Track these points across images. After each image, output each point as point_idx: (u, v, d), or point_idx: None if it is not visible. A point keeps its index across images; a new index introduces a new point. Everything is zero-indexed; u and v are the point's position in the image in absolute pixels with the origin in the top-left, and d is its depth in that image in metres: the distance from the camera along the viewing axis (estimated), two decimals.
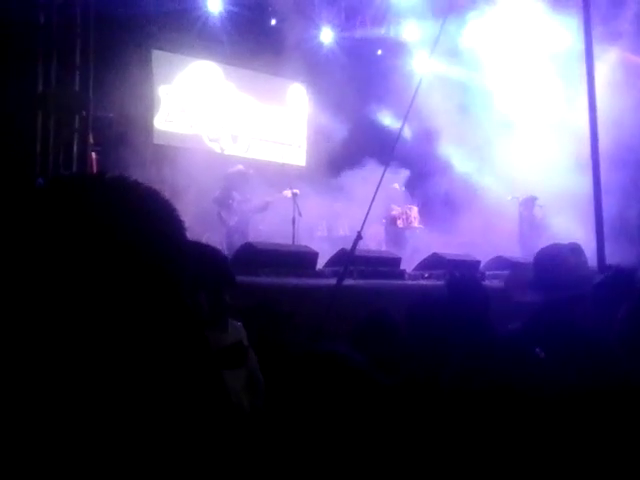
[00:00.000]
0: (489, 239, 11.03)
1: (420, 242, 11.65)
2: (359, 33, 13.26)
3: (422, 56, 12.79)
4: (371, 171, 9.29)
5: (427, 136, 12.78)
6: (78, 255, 0.84)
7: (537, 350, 2.69)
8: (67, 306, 0.83)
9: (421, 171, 12.97)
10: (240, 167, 9.85)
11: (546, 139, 11.96)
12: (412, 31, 13.44)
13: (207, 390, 0.91)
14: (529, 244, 11.37)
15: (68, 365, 0.82)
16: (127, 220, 0.88)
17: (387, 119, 13.01)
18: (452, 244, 11.70)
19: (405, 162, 11.97)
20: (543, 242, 12.37)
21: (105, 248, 0.85)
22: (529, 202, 11.72)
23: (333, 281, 5.75)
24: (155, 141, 11.23)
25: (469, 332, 3.01)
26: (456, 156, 13.44)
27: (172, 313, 0.90)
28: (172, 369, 0.89)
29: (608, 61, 11.72)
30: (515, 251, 10.95)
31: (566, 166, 10.47)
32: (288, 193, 9.68)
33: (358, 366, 1.09)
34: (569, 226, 10.71)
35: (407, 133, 12.56)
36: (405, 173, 12.45)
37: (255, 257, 6.66)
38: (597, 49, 10.01)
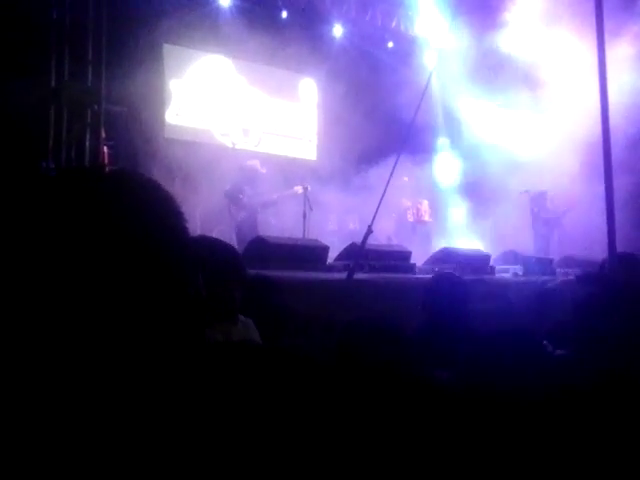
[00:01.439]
0: (502, 233, 11.02)
1: (431, 235, 11.67)
2: (370, 27, 13.26)
3: (432, 51, 12.81)
4: (384, 165, 9.27)
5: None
6: (74, 246, 0.84)
7: (545, 342, 2.69)
8: (64, 298, 0.83)
9: None
10: (256, 162, 9.84)
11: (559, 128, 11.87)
12: (423, 25, 13.44)
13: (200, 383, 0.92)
14: (542, 238, 11.37)
15: (71, 352, 0.83)
16: (125, 211, 0.88)
17: (399, 112, 12.99)
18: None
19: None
20: (555, 237, 12.23)
21: (102, 238, 0.85)
22: (540, 196, 11.68)
23: (344, 275, 5.78)
24: (166, 135, 11.24)
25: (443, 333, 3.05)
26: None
27: (171, 304, 0.91)
28: (169, 360, 0.89)
29: (630, 35, 11.54)
30: (528, 245, 10.94)
31: (578, 156, 10.43)
32: (299, 189, 9.67)
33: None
34: (581, 219, 10.68)
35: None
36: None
37: (266, 251, 6.67)
38: (616, 23, 9.88)
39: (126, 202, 0.89)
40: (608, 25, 4.95)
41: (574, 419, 1.94)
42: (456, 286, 3.55)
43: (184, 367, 0.91)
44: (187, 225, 0.95)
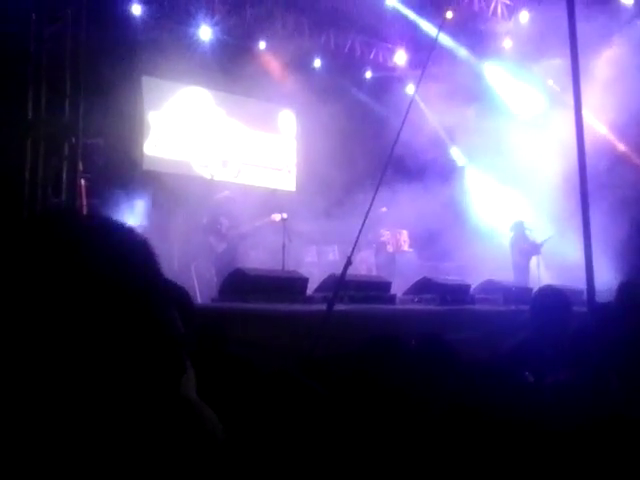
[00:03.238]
0: (481, 263, 11.05)
1: (411, 265, 11.65)
2: (349, 58, 13.41)
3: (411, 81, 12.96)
4: (363, 195, 9.26)
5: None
6: (53, 294, 0.85)
7: (526, 374, 2.68)
8: (45, 344, 0.84)
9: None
10: (227, 193, 9.88)
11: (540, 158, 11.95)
12: (401, 56, 13.62)
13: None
14: (521, 268, 11.40)
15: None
16: (103, 259, 0.89)
17: (378, 142, 13.06)
18: (443, 268, 11.71)
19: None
20: (533, 266, 12.20)
21: (80, 285, 0.86)
22: (518, 226, 11.75)
23: (323, 306, 5.72)
24: (145, 167, 11.21)
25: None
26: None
27: (149, 344, 0.91)
28: (149, 401, 0.90)
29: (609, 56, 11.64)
30: (508, 275, 10.97)
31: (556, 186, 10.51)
32: (277, 217, 9.66)
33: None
34: (560, 249, 10.74)
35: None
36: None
37: (245, 283, 6.64)
38: (595, 45, 9.98)
39: (103, 250, 0.91)
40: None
41: (547, 449, 1.93)
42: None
43: (163, 407, 0.93)
44: (161, 268, 0.98)
